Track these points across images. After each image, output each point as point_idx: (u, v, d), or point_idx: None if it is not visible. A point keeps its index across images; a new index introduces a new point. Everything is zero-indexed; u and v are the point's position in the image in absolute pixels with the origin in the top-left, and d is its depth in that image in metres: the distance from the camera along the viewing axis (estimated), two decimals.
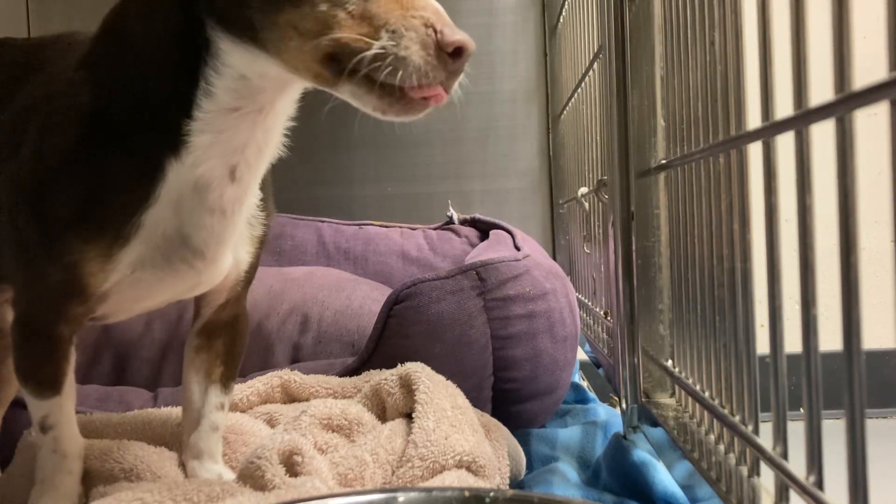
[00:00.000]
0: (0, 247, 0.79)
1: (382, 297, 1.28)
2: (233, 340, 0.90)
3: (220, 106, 0.69)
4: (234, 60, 0.68)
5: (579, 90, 1.53)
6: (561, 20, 1.85)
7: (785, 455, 0.56)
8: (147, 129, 0.71)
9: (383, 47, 0.58)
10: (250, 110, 0.70)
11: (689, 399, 0.83)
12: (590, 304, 1.51)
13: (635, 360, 1.01)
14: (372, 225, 1.76)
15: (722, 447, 0.70)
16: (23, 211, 0.74)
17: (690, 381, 0.80)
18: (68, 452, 0.81)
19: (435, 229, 1.75)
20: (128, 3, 0.72)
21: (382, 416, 1.02)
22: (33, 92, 0.78)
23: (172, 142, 0.70)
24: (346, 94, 0.62)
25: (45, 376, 0.78)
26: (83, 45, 0.76)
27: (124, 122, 0.71)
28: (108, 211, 0.71)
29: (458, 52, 0.59)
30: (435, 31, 0.58)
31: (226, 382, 0.90)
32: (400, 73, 0.58)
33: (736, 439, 0.66)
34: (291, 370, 1.15)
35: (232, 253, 0.80)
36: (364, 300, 1.41)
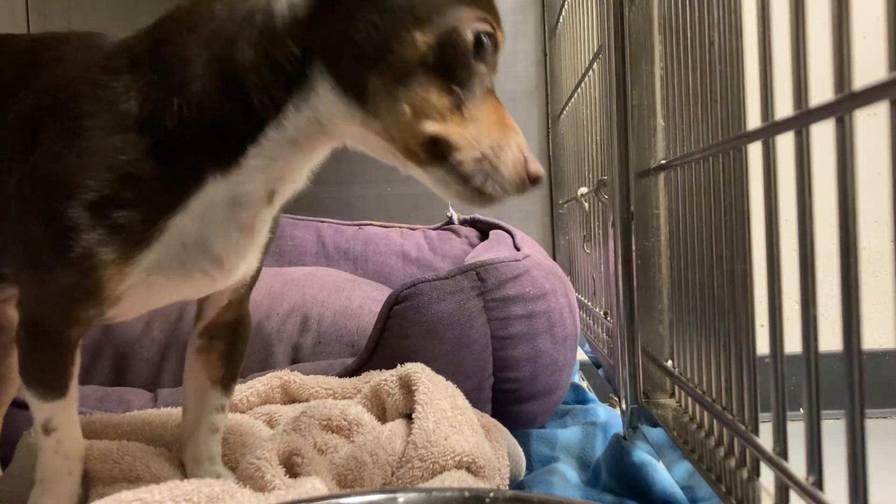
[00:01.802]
0: (3, 246, 0.79)
1: (382, 298, 1.28)
2: (234, 342, 0.90)
3: (284, 138, 0.70)
4: (323, 106, 0.68)
5: (579, 90, 1.53)
6: (561, 20, 1.85)
7: (785, 455, 0.56)
8: (201, 145, 0.70)
9: (485, 155, 0.66)
10: (307, 147, 0.72)
11: (689, 399, 0.83)
12: (590, 304, 1.51)
13: (635, 360, 1.01)
14: (372, 225, 1.76)
15: (722, 448, 0.70)
16: (40, 210, 0.72)
17: (690, 381, 0.80)
18: (70, 454, 0.81)
19: (435, 229, 1.75)
20: (215, 27, 0.70)
21: (382, 417, 1.02)
22: (48, 91, 0.76)
23: (224, 161, 0.70)
24: (432, 176, 0.68)
25: (51, 379, 0.78)
26: (110, 48, 0.75)
27: (174, 135, 0.70)
28: (135, 215, 0.70)
29: (535, 180, 0.67)
30: (524, 156, 0.67)
31: (227, 384, 0.90)
32: (491, 182, 0.66)
33: (736, 439, 0.66)
34: (291, 371, 1.15)
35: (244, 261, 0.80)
36: (364, 300, 1.41)
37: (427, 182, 0.69)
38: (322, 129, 0.71)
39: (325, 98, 0.68)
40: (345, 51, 0.67)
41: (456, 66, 0.65)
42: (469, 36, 0.65)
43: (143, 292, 0.75)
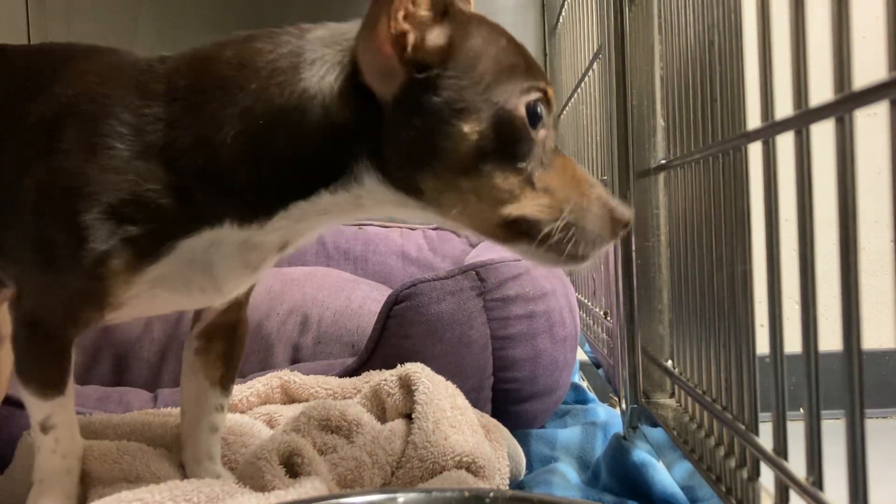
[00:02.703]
0: (3, 247, 0.79)
1: (382, 298, 1.28)
2: (232, 343, 0.90)
3: (315, 208, 0.69)
4: (368, 194, 0.67)
5: (579, 90, 1.53)
6: (560, 20, 1.85)
7: (785, 455, 0.56)
8: (223, 201, 0.69)
9: (570, 221, 0.64)
10: (337, 215, 0.71)
11: (689, 399, 0.83)
12: (589, 304, 1.50)
13: (635, 360, 1.01)
14: (372, 225, 1.76)
15: (722, 448, 0.70)
16: (57, 215, 0.71)
17: (690, 381, 0.80)
18: (69, 453, 0.81)
19: (435, 229, 1.75)
20: (251, 104, 0.67)
21: (382, 417, 1.02)
22: (75, 100, 0.73)
23: (245, 218, 0.69)
24: (520, 251, 0.66)
25: (50, 377, 0.78)
26: (145, 69, 0.72)
27: (197, 182, 0.69)
28: (149, 232, 0.70)
29: (626, 225, 0.66)
30: (607, 207, 0.65)
31: (225, 384, 0.90)
32: (582, 244, 0.64)
33: (736, 439, 0.66)
34: (291, 371, 1.15)
35: None
36: (364, 300, 1.41)
37: (515, 253, 0.68)
38: (361, 207, 0.69)
39: (371, 188, 0.66)
40: (391, 152, 0.65)
41: (516, 144, 0.63)
42: (521, 111, 0.63)
43: (145, 301, 0.75)
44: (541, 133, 0.65)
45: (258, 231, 0.70)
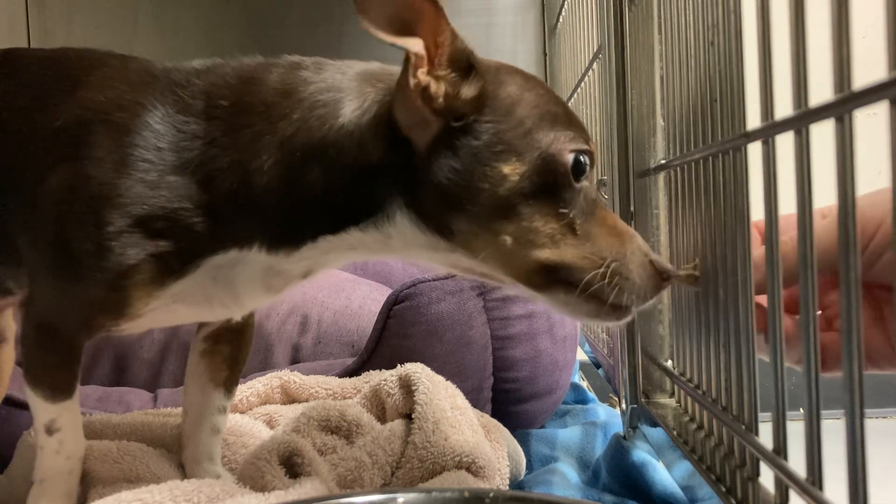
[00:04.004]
0: (14, 251, 0.77)
1: (382, 298, 1.28)
2: (238, 347, 0.91)
3: (343, 243, 0.69)
4: (399, 234, 0.67)
5: (579, 90, 1.53)
6: (560, 20, 1.85)
7: (785, 455, 0.56)
8: (255, 227, 0.69)
9: (613, 269, 0.63)
10: (363, 252, 0.71)
11: (689, 399, 0.83)
12: None
13: (635, 360, 1.01)
14: None
15: (722, 447, 0.70)
16: (83, 222, 0.69)
17: (690, 381, 0.80)
18: (72, 455, 0.81)
19: None
20: (290, 135, 0.66)
21: (382, 417, 1.02)
22: (104, 107, 0.72)
23: (273, 246, 0.69)
24: (555, 301, 0.65)
25: (59, 381, 0.78)
26: (183, 81, 0.71)
27: (229, 205, 0.68)
28: (176, 248, 0.69)
29: (668, 278, 0.65)
30: (649, 258, 0.65)
31: (229, 387, 0.91)
32: (626, 294, 0.63)
33: (736, 439, 0.66)
34: (291, 371, 1.15)
35: None
36: (364, 300, 1.41)
37: (549, 305, 0.66)
38: (389, 248, 0.69)
39: (402, 228, 0.66)
40: (426, 194, 0.64)
41: (558, 189, 0.63)
42: (566, 157, 0.63)
43: (163, 314, 0.75)
44: (584, 183, 0.64)
45: (284, 259, 0.70)
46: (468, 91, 0.63)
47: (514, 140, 0.62)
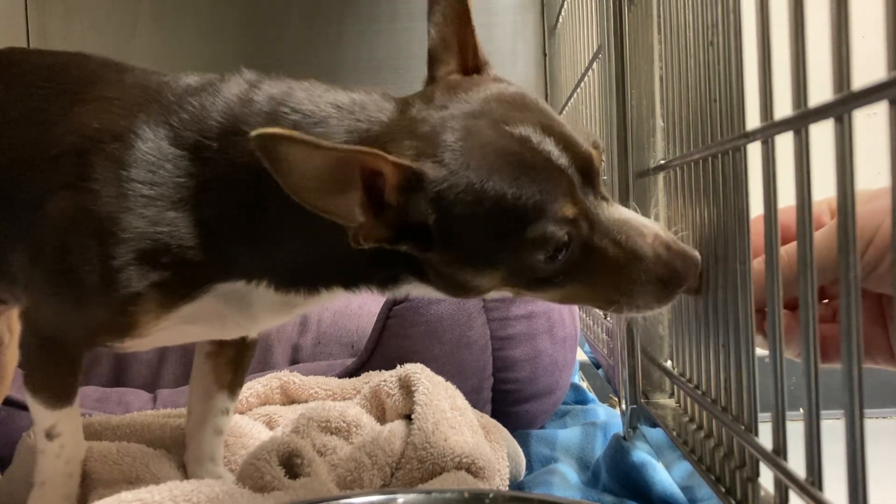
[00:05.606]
0: (14, 263, 0.76)
1: (382, 298, 1.28)
2: (243, 350, 0.91)
3: (357, 295, 0.71)
4: (414, 289, 0.69)
5: (578, 90, 1.53)
6: (560, 20, 1.85)
7: (784, 455, 0.56)
8: (266, 271, 0.70)
9: (621, 303, 0.65)
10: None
11: (689, 399, 0.83)
12: None
13: (634, 360, 1.01)
14: None
15: (721, 448, 0.70)
16: (90, 245, 0.68)
17: (690, 381, 0.80)
18: (72, 458, 0.81)
19: None
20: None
21: (382, 418, 1.02)
22: (89, 134, 0.70)
23: (283, 289, 0.71)
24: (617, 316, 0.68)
25: (60, 389, 0.78)
26: (166, 109, 0.69)
27: (239, 245, 0.69)
28: (185, 276, 0.69)
29: (677, 285, 0.66)
30: (662, 260, 0.64)
31: (233, 389, 0.91)
32: (643, 311, 0.66)
33: (735, 440, 0.66)
34: (291, 371, 1.15)
35: None
36: (364, 301, 1.41)
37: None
38: (398, 290, 0.71)
39: (416, 288, 0.69)
40: (430, 278, 0.66)
41: (544, 267, 0.61)
42: (538, 260, 0.61)
43: (171, 335, 0.75)
44: (572, 247, 0.62)
45: (296, 296, 0.71)
46: (416, 214, 0.60)
47: (476, 260, 0.62)
